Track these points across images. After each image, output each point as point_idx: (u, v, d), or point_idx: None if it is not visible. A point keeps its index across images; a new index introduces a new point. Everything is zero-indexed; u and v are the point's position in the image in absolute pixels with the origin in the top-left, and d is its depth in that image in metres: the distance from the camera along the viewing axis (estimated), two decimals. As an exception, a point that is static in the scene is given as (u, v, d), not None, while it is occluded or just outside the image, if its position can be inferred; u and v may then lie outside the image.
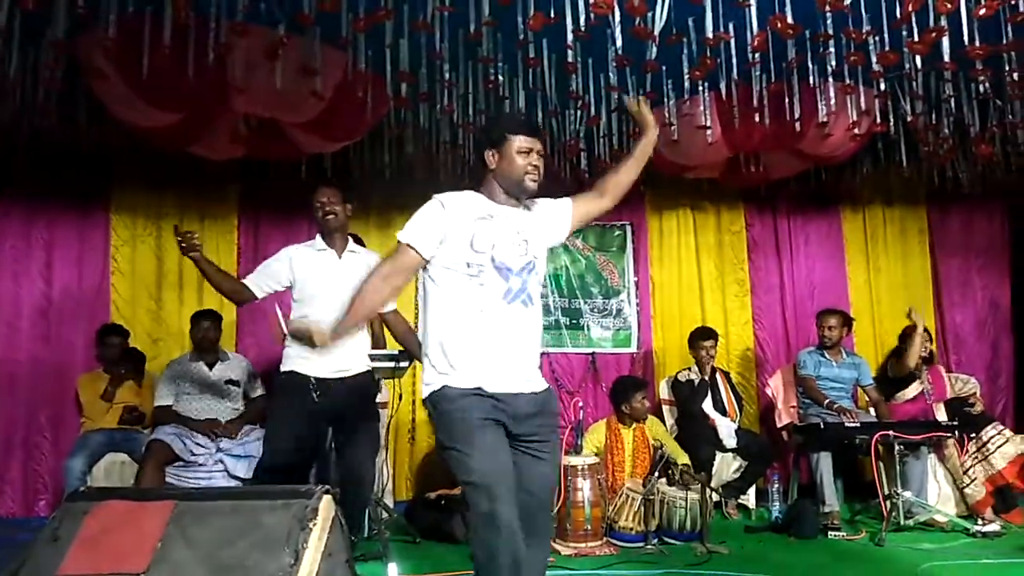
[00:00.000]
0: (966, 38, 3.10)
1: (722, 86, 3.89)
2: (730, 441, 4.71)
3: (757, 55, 3.49)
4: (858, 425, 4.35)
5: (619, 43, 3.19)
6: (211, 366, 4.32)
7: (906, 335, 4.99)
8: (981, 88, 3.83)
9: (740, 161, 4.85)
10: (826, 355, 4.92)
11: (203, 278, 3.26)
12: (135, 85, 3.40)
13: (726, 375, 5.20)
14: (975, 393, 5.09)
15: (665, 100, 4.10)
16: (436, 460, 4.93)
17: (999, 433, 4.50)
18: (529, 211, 2.28)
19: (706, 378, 4.98)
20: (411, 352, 3.48)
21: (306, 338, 2.18)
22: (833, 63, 3.51)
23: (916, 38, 3.19)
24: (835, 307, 5.28)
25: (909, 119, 4.20)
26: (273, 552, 1.82)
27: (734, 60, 3.50)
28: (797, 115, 3.98)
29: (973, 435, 4.54)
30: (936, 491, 4.45)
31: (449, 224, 2.14)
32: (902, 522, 4.07)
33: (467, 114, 4.15)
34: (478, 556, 1.99)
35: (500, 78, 3.78)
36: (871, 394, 4.95)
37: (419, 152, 4.62)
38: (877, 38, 3.36)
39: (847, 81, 3.71)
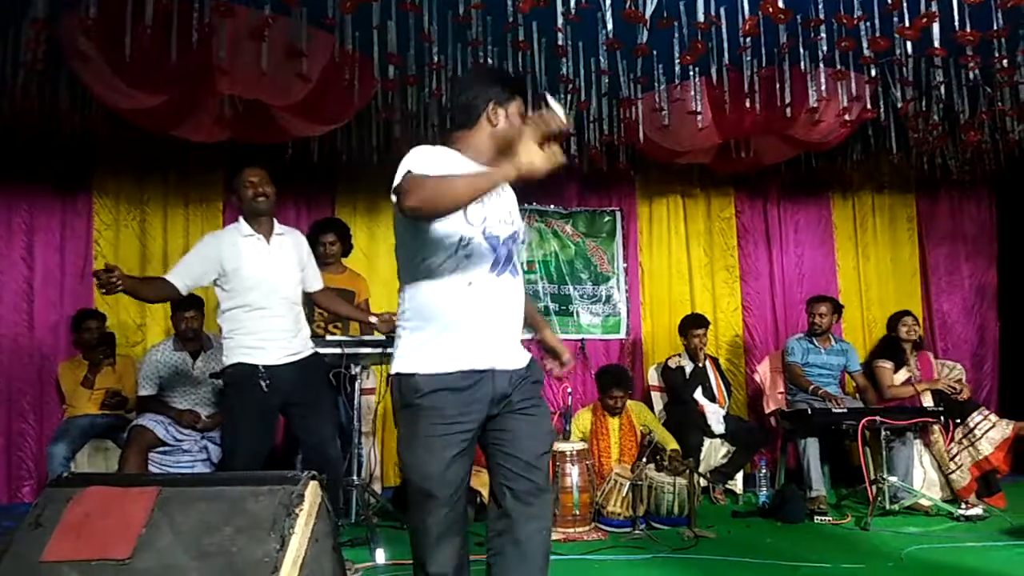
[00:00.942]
0: (956, 24, 3.10)
1: (713, 71, 3.87)
2: (718, 427, 4.73)
3: (748, 40, 3.48)
4: (845, 411, 4.39)
5: (610, 27, 3.17)
6: (195, 356, 4.25)
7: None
8: (971, 75, 3.83)
9: (731, 147, 4.84)
10: (815, 342, 4.95)
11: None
12: (118, 66, 3.34)
13: (715, 361, 5.21)
14: (961, 380, 5.13)
15: (656, 85, 4.09)
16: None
17: (985, 419, 4.54)
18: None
19: (699, 366, 4.98)
20: (348, 316, 3.56)
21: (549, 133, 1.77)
22: (824, 48, 3.51)
23: (907, 24, 3.19)
24: (825, 294, 5.30)
25: (899, 105, 4.20)
26: (259, 538, 1.79)
27: (725, 45, 3.49)
28: (788, 100, 3.98)
29: (959, 421, 4.58)
30: (921, 476, 4.49)
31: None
32: (887, 507, 4.11)
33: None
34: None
35: (490, 61, 3.74)
36: (858, 380, 4.99)
37: (407, 136, 4.58)
38: (868, 23, 3.35)
39: (838, 67, 3.71)
